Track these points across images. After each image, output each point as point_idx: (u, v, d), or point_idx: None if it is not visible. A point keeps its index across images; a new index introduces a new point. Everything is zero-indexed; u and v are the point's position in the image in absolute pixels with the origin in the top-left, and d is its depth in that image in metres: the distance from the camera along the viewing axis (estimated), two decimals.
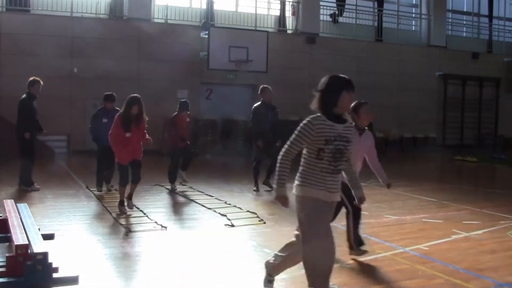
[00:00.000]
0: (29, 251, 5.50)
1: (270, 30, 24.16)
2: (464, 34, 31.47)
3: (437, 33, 28.97)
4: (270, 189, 12.09)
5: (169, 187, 12.22)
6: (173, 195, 11.56)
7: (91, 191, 11.55)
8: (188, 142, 12.55)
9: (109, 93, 11.66)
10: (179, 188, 12.21)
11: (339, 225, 7.27)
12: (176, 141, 12.12)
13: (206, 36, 21.88)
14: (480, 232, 8.52)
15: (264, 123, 12.20)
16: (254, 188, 12.35)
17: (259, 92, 12.57)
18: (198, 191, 11.94)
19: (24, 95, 11.59)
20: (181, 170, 12.57)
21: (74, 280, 5.54)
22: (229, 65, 21.98)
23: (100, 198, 10.71)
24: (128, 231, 7.98)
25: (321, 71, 24.32)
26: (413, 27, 30.00)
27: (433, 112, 27.88)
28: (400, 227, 8.72)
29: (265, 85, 12.61)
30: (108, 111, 11.17)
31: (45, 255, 5.42)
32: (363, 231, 7.10)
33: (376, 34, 27.63)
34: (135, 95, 9.47)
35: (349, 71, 25.40)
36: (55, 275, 5.49)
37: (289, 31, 25.58)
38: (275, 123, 12.42)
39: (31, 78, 11.65)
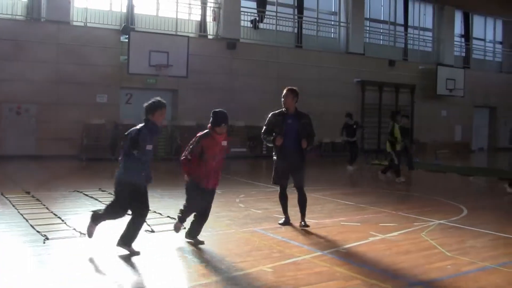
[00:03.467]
0: None
1: (191, 35, 24.20)
2: (381, 42, 32.46)
3: (355, 40, 29.75)
4: (307, 227, 9.11)
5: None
6: (91, 201, 11.27)
7: (6, 198, 11.18)
8: (215, 184, 7.92)
9: None
10: (97, 194, 11.94)
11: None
12: (197, 177, 7.76)
13: (126, 40, 21.70)
14: (396, 233, 8.76)
15: (278, 134, 9.06)
16: (280, 222, 9.35)
17: None
18: None
19: None
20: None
21: None
22: (150, 70, 21.92)
23: (15, 205, 10.36)
24: (46, 239, 7.79)
25: (242, 76, 24.71)
26: (332, 34, 30.67)
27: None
28: (319, 231, 8.85)
29: (290, 87, 9.29)
30: None
31: None
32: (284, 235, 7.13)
33: (296, 40, 28.08)
34: None
35: (269, 77, 25.75)
36: None
37: (210, 36, 25.66)
38: (305, 136, 9.19)
39: None
